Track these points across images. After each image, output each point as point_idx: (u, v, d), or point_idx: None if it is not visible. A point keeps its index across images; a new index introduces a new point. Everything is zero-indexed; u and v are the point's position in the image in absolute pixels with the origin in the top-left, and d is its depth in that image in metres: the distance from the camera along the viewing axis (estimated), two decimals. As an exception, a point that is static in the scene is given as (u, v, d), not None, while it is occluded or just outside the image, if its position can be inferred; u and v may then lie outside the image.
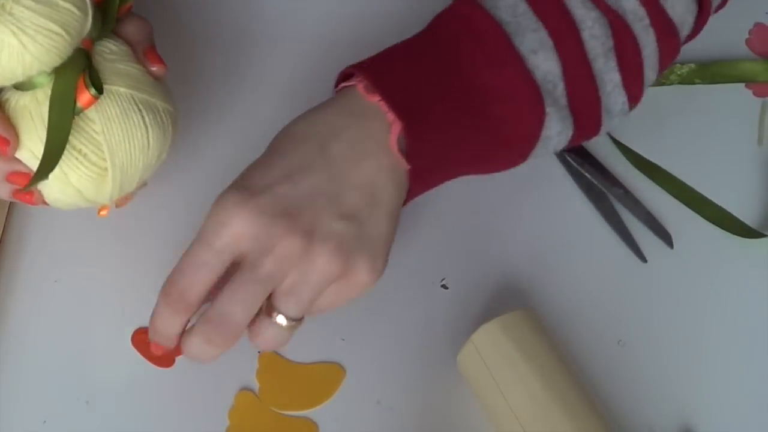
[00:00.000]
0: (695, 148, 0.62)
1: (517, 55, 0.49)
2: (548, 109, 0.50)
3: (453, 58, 0.49)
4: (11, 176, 0.46)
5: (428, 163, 0.49)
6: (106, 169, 0.45)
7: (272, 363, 0.53)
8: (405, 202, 0.50)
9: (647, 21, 0.51)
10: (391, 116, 0.48)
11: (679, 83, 0.64)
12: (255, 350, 0.53)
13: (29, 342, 0.53)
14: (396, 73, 0.49)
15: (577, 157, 0.61)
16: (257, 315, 0.46)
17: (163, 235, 0.55)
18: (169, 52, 0.50)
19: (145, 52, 0.48)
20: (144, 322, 0.53)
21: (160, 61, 0.48)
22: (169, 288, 0.46)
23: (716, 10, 0.57)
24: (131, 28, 0.48)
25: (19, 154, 0.45)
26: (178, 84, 0.53)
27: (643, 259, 0.58)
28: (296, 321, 0.47)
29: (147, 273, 0.54)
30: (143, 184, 0.50)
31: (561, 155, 0.61)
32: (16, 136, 0.45)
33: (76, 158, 0.45)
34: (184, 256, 0.46)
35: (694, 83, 0.64)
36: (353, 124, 0.48)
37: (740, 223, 0.59)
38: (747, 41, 0.66)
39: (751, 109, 0.64)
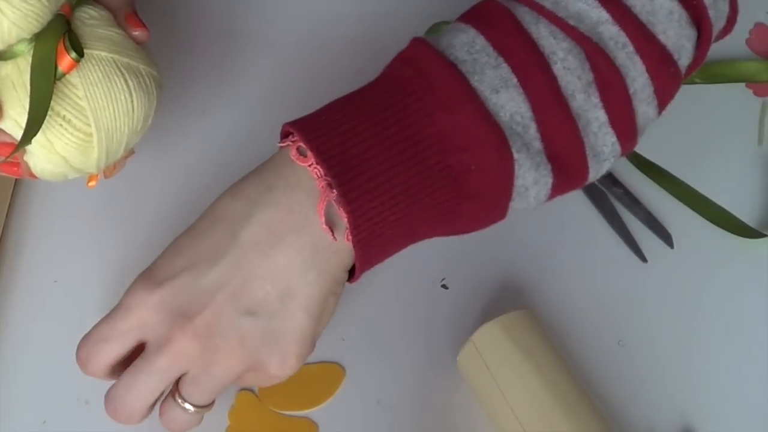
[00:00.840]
0: (695, 148, 0.62)
1: (475, 96, 0.44)
2: (517, 155, 0.44)
3: (402, 106, 0.44)
4: None
5: (378, 231, 0.44)
6: (90, 134, 0.45)
7: (272, 363, 0.53)
8: (356, 276, 0.46)
9: (631, 48, 0.46)
10: (321, 183, 0.43)
11: (679, 83, 0.64)
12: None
13: (29, 342, 0.53)
14: (334, 131, 0.44)
15: (577, 157, 0.61)
16: (168, 395, 0.47)
17: (164, 234, 0.55)
18: (161, 42, 0.50)
19: (126, 17, 0.47)
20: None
21: (141, 25, 0.48)
22: (77, 350, 0.46)
23: (720, 37, 0.53)
24: None
25: (3, 125, 0.45)
26: (169, 66, 0.53)
27: (643, 259, 0.58)
28: (203, 407, 0.46)
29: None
30: (131, 153, 0.49)
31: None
32: (0, 106, 0.44)
33: (61, 125, 0.44)
34: (94, 327, 0.46)
35: (694, 83, 0.64)
36: (275, 199, 0.44)
37: (740, 223, 0.59)
38: (747, 41, 0.66)
39: (751, 109, 0.64)
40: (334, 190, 0.43)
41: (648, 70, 0.46)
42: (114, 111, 0.45)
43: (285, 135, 0.47)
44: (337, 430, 0.52)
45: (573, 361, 0.54)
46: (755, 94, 0.65)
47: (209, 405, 0.47)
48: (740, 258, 0.59)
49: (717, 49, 0.65)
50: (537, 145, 0.45)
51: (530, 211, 0.48)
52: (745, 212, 0.60)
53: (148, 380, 0.45)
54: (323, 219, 0.44)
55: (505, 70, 0.45)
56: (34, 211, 0.56)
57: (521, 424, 0.48)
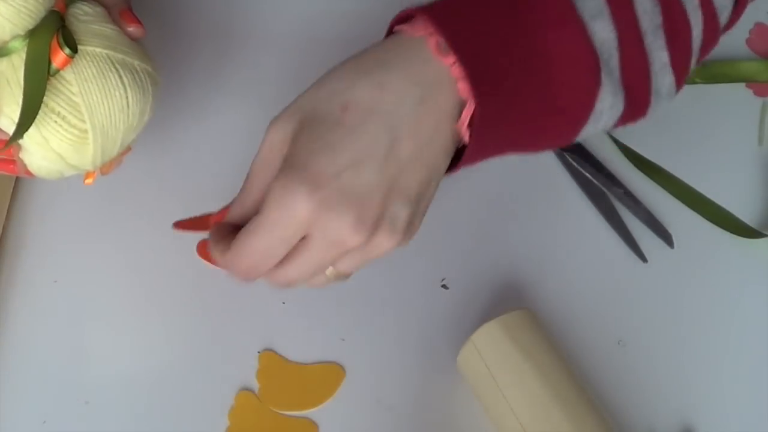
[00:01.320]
0: (695, 148, 0.62)
1: (579, 19, 0.47)
2: (604, 79, 0.48)
3: (515, 14, 0.47)
4: None
5: (489, 135, 0.47)
6: (86, 131, 0.45)
7: (272, 363, 0.53)
8: (456, 169, 0.48)
9: (697, 1, 0.50)
10: (464, 89, 0.45)
11: (679, 83, 0.64)
12: (255, 350, 0.53)
13: (29, 342, 0.53)
14: (467, 30, 0.46)
15: (577, 157, 0.61)
16: None
17: (163, 231, 0.55)
18: (156, 39, 0.50)
19: (121, 13, 0.48)
20: (144, 321, 0.54)
21: (136, 21, 0.48)
22: (235, 262, 0.46)
23: (728, 28, 0.55)
24: None
25: None
26: (164, 62, 0.53)
27: (643, 259, 0.58)
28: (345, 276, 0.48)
29: (147, 272, 0.54)
30: (127, 149, 0.49)
31: (560, 154, 0.61)
32: None
33: (56, 121, 0.45)
34: (250, 237, 0.46)
35: (694, 83, 0.64)
36: (423, 95, 0.46)
37: (740, 223, 0.59)
38: (747, 41, 0.66)
39: (751, 109, 0.64)
40: (474, 99, 0.45)
41: (704, 23, 0.50)
42: (109, 107, 0.45)
43: (401, 19, 0.47)
44: (337, 430, 0.52)
45: (573, 361, 0.54)
46: (755, 94, 0.65)
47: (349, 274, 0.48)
48: (740, 258, 0.59)
49: (717, 49, 0.65)
50: (616, 73, 0.48)
51: (598, 132, 0.50)
52: (745, 212, 0.60)
53: (317, 267, 0.46)
54: (466, 126, 0.46)
55: (599, 0, 0.48)
56: (34, 210, 0.56)
57: (521, 424, 0.48)
